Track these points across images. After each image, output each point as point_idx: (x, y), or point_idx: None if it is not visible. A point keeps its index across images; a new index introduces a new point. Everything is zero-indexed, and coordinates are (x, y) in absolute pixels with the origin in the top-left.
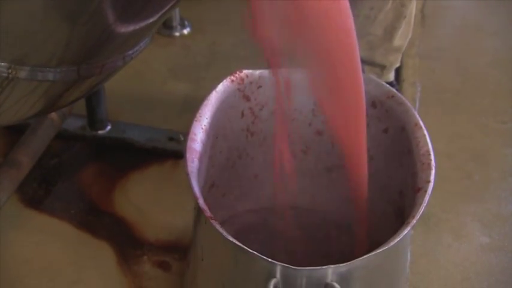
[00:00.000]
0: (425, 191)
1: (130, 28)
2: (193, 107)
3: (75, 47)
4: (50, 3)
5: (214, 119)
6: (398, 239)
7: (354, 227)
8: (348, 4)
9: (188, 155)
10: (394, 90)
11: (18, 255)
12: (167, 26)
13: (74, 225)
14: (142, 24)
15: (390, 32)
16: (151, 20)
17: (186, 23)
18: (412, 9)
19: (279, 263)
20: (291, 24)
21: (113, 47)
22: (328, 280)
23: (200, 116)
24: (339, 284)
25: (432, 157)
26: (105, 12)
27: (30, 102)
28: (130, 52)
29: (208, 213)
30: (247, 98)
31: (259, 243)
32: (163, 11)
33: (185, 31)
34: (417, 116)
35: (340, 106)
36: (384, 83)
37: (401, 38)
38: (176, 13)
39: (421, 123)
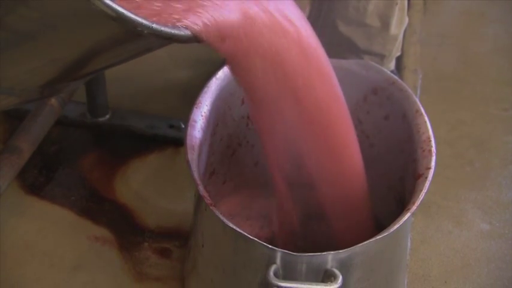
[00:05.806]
0: (426, 178)
1: (108, 66)
2: (193, 94)
3: (49, 78)
4: (38, 47)
5: (215, 106)
6: (399, 225)
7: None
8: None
9: (188, 142)
10: (395, 76)
11: (19, 241)
12: None
13: (74, 212)
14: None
15: (386, 21)
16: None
17: None
18: None
19: (279, 249)
20: None
21: (82, 75)
22: (328, 266)
23: (200, 103)
24: (339, 270)
25: (433, 144)
26: (90, 58)
27: None
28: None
29: (208, 200)
30: None
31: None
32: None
33: None
34: (418, 102)
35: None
36: (385, 70)
37: (397, 26)
38: None
39: (422, 109)
